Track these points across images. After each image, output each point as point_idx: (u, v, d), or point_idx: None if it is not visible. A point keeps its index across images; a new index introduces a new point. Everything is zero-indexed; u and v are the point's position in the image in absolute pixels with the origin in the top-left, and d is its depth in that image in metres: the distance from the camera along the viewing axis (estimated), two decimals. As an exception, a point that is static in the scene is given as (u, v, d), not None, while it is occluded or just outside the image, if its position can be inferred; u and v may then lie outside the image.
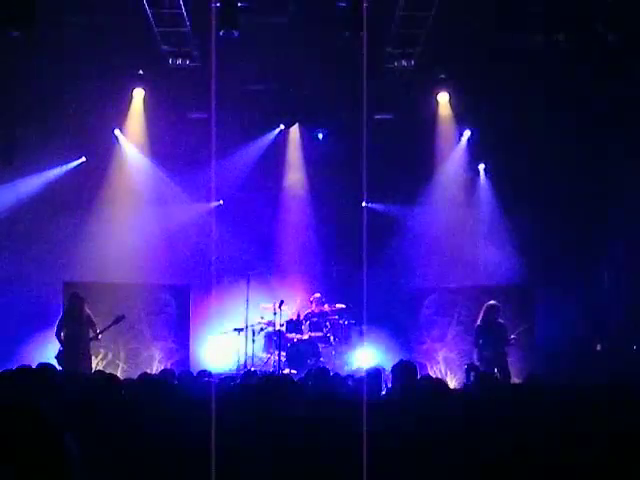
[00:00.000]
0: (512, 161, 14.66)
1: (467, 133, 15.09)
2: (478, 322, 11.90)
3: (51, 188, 14.45)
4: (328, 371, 7.55)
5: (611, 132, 14.02)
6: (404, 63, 13.44)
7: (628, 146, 13.86)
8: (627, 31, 11.85)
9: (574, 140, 14.16)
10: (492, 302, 11.94)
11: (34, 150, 13.94)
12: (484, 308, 11.91)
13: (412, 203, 14.98)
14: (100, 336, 11.88)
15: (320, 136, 15.32)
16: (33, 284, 14.02)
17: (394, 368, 6.67)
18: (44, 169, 14.33)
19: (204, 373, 7.80)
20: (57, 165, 14.49)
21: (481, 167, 15.27)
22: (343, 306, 14.42)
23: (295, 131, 15.45)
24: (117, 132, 14.90)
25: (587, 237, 14.66)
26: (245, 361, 13.74)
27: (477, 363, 11.62)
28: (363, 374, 7.99)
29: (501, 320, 11.88)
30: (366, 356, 14.29)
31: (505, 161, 14.83)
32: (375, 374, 7.23)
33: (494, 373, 11.42)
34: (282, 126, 15.35)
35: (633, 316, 13.86)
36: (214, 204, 15.05)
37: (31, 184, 14.30)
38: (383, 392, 7.13)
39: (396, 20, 12.19)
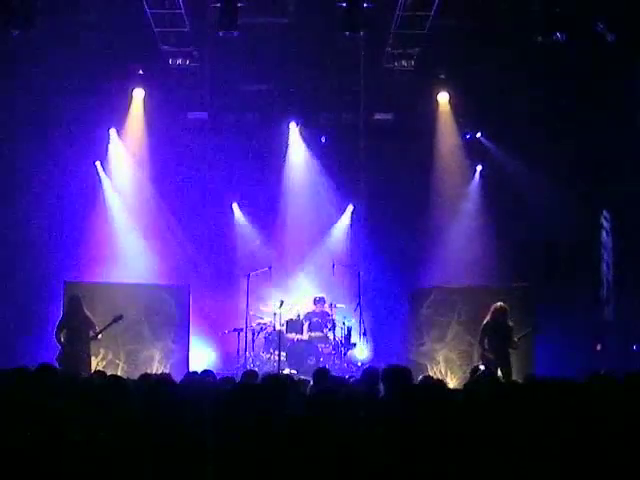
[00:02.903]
0: (512, 161, 14.67)
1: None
2: (486, 321, 11.84)
3: (53, 187, 14.48)
4: (328, 371, 7.56)
5: (611, 132, 14.03)
6: (404, 63, 13.44)
7: (629, 147, 13.87)
8: (627, 31, 11.86)
9: (574, 139, 14.17)
10: (501, 304, 11.87)
11: (35, 150, 13.95)
12: (493, 308, 11.81)
13: (412, 203, 14.95)
14: (100, 336, 11.88)
15: (323, 139, 15.31)
16: (33, 284, 14.02)
17: (384, 374, 6.52)
18: (45, 168, 14.33)
19: (206, 373, 7.78)
20: (57, 164, 14.49)
21: (479, 168, 15.26)
22: (343, 306, 14.43)
23: (295, 131, 15.44)
24: (112, 131, 14.86)
25: (587, 237, 14.67)
26: (245, 361, 13.75)
27: (479, 362, 11.63)
28: (363, 374, 7.98)
29: (510, 323, 11.85)
30: (366, 356, 14.34)
31: (505, 162, 14.83)
32: (374, 374, 7.22)
33: (496, 374, 11.41)
34: (294, 123, 15.24)
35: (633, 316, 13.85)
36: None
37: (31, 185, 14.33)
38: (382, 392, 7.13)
39: (396, 20, 12.18)
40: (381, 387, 6.78)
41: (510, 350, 11.77)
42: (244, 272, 14.41)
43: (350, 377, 8.80)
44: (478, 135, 15.06)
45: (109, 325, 11.90)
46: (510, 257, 14.30)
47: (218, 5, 11.65)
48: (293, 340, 13.78)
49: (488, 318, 11.83)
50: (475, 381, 6.97)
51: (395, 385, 6.13)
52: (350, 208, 15.51)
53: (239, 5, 11.72)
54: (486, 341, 11.74)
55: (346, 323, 14.36)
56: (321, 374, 7.18)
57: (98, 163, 14.90)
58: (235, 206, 15.47)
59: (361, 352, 14.29)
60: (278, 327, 13.94)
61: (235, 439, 4.72)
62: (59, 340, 11.69)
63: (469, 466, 4.44)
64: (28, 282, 14.03)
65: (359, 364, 13.98)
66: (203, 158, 14.91)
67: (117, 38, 12.82)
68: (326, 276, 14.97)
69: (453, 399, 5.47)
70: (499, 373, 11.44)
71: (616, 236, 14.64)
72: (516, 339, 11.82)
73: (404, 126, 14.93)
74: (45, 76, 13.50)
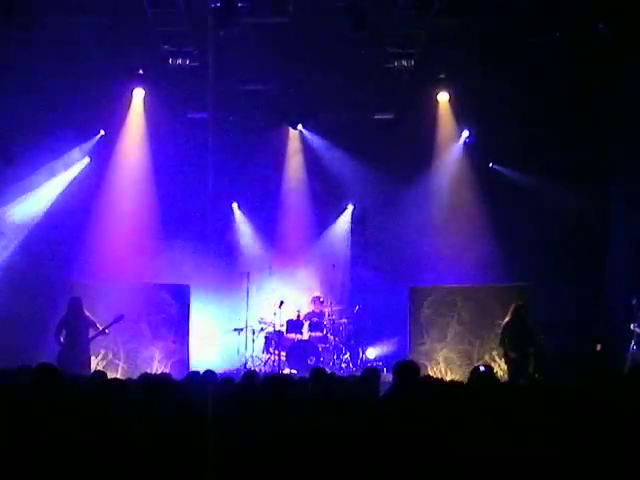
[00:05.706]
0: (512, 161, 14.68)
1: (465, 133, 15.09)
2: (506, 320, 11.74)
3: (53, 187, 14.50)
4: (324, 370, 7.55)
5: (611, 132, 14.02)
6: (404, 63, 13.43)
7: (628, 146, 13.87)
8: (626, 30, 11.85)
9: (574, 139, 14.17)
10: (520, 302, 11.81)
11: (35, 149, 13.95)
12: (513, 307, 11.75)
13: (412, 203, 14.95)
14: (107, 330, 11.89)
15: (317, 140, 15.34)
16: (34, 284, 14.01)
17: (395, 368, 6.63)
18: (45, 168, 14.35)
19: (207, 373, 7.76)
20: (58, 164, 14.50)
21: (484, 167, 15.23)
22: (343, 306, 14.43)
23: (295, 131, 15.44)
24: (113, 131, 14.84)
25: (587, 237, 14.66)
26: (245, 361, 13.76)
27: (501, 360, 11.66)
28: (362, 374, 7.97)
29: (530, 321, 11.80)
30: (366, 355, 14.35)
31: (505, 161, 14.84)
32: (374, 374, 7.23)
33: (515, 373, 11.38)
34: (300, 126, 15.23)
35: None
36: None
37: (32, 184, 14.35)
38: (382, 392, 7.13)
39: (396, 20, 12.18)
40: (380, 386, 6.80)
41: (533, 348, 11.68)
42: (244, 272, 14.44)
43: (351, 376, 8.81)
44: (478, 135, 15.04)
45: (111, 325, 11.93)
46: (510, 257, 14.29)
47: (218, 5, 11.64)
48: (293, 340, 13.79)
49: (508, 317, 11.72)
50: (475, 381, 6.97)
51: (405, 379, 6.14)
52: (350, 208, 15.52)
53: (239, 5, 11.71)
54: (507, 340, 11.66)
55: (346, 323, 14.37)
56: (318, 373, 7.17)
57: (88, 159, 14.88)
58: (235, 206, 15.51)
59: (367, 352, 14.34)
60: (278, 327, 13.95)
61: (236, 439, 4.73)
62: (58, 340, 11.70)
63: (468, 465, 4.45)
64: (29, 282, 14.01)
65: (359, 363, 14.01)
66: (203, 158, 14.90)
67: (117, 38, 12.81)
68: (326, 276, 14.99)
69: (453, 398, 5.48)
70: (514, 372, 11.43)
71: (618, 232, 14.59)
72: (542, 336, 11.77)
73: (404, 126, 14.94)
74: (45, 76, 13.49)
